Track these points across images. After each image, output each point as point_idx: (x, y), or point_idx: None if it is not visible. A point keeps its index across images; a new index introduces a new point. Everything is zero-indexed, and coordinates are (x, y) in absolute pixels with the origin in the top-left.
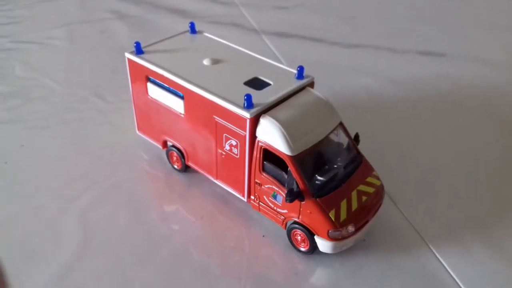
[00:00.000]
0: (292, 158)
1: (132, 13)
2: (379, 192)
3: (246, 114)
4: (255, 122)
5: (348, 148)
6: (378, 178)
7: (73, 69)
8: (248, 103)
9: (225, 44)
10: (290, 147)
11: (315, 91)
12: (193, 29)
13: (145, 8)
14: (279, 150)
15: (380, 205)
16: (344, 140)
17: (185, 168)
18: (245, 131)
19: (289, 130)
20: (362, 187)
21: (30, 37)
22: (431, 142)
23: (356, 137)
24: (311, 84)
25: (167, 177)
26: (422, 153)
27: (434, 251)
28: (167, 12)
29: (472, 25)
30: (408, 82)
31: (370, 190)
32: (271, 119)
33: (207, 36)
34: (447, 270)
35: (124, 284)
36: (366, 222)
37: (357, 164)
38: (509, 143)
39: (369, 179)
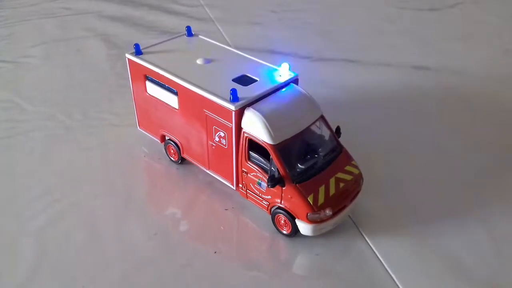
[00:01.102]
0: (274, 146)
1: (109, 31)
2: (357, 180)
3: (232, 107)
4: (240, 114)
5: (329, 139)
6: (357, 167)
7: (45, 87)
8: (234, 97)
9: (219, 46)
10: (271, 137)
11: (299, 87)
12: (189, 32)
13: (123, 26)
14: (262, 140)
15: (358, 192)
16: (326, 132)
17: (181, 160)
18: (231, 122)
19: (271, 121)
20: (340, 175)
21: (5, 56)
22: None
23: (338, 129)
24: (296, 81)
25: (167, 170)
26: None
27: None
28: (145, 29)
29: (445, 36)
30: (376, 93)
31: (348, 177)
32: (254, 111)
33: (202, 39)
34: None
35: None
36: (344, 207)
37: (336, 153)
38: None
39: (348, 168)
